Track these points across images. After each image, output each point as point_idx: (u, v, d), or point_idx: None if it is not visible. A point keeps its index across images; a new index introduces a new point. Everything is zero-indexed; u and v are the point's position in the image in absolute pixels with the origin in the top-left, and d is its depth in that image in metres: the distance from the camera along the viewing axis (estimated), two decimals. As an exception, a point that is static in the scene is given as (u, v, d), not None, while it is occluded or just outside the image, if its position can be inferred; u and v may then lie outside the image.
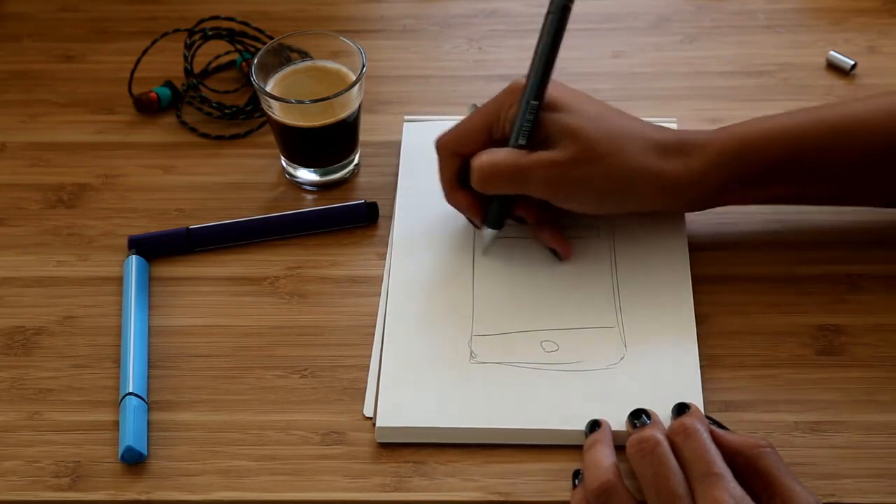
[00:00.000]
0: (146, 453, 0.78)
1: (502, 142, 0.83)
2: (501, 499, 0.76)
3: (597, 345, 0.82)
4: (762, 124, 0.83)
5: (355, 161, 0.94)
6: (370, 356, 0.82)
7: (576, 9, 0.82)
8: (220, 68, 1.02)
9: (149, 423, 0.79)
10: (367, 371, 0.82)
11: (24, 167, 0.95)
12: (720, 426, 0.75)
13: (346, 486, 0.76)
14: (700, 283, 0.85)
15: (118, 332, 0.84)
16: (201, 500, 0.76)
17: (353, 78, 0.91)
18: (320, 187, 0.93)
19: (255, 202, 0.92)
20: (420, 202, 0.90)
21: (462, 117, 0.86)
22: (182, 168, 0.95)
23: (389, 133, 0.96)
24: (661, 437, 0.72)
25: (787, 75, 0.99)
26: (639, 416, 0.75)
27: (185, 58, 0.98)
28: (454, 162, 0.85)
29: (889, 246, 0.87)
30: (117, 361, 0.82)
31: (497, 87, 0.85)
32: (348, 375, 0.82)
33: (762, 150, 0.82)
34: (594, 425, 0.76)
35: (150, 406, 0.80)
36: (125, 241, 0.89)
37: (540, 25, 0.83)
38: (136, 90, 0.99)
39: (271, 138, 0.94)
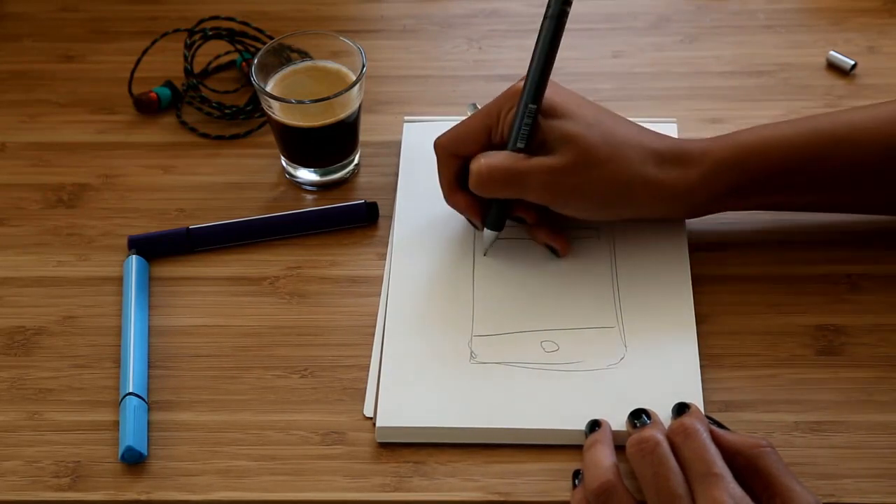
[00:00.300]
0: (146, 453, 0.78)
1: (502, 145, 0.83)
2: (501, 499, 0.76)
3: (597, 345, 0.82)
4: (761, 132, 0.83)
5: (355, 161, 0.94)
6: (370, 356, 0.82)
7: (576, 9, 0.82)
8: (220, 68, 1.02)
9: (149, 423, 0.79)
10: (367, 371, 0.82)
11: (24, 167, 0.95)
12: (720, 426, 0.75)
13: (346, 486, 0.76)
14: (700, 283, 0.85)
15: (118, 332, 0.84)
16: (201, 500, 0.76)
17: (353, 78, 0.91)
18: (320, 187, 0.93)
19: (255, 202, 0.92)
20: (420, 202, 0.90)
21: (462, 117, 0.86)
22: (182, 168, 0.95)
23: (389, 133, 0.96)
24: (661, 437, 0.72)
25: (787, 75, 0.99)
26: (639, 416, 0.75)
27: (185, 58, 0.98)
28: (453, 163, 0.85)
29: (889, 246, 0.87)
30: (117, 361, 0.82)
31: (497, 87, 0.85)
32: (348, 375, 0.82)
33: (761, 159, 0.81)
34: (594, 425, 0.76)
35: (150, 406, 0.80)
36: (125, 241, 0.89)
37: (539, 26, 0.83)
38: (136, 90, 0.99)
39: (271, 138, 0.94)
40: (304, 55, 0.94)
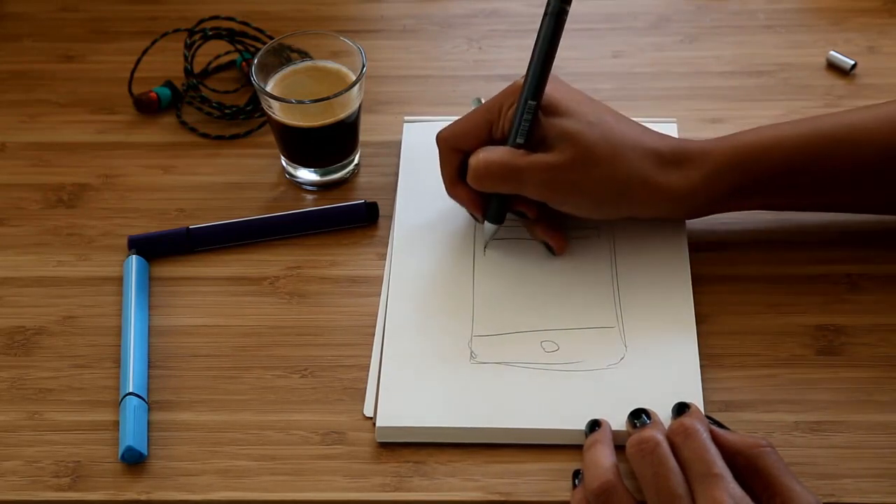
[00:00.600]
0: (146, 453, 0.78)
1: (503, 140, 0.83)
2: (501, 499, 0.76)
3: (597, 345, 0.82)
4: (762, 133, 0.83)
5: (355, 161, 0.94)
6: (370, 356, 0.82)
7: (576, 8, 0.82)
8: (220, 68, 1.02)
9: (149, 423, 0.79)
10: (367, 371, 0.82)
11: (24, 167, 0.95)
12: (720, 426, 0.75)
13: (346, 486, 0.76)
14: (700, 283, 0.85)
15: (118, 332, 0.84)
16: (201, 500, 0.76)
17: (353, 78, 0.91)
18: (320, 187, 0.93)
19: (255, 202, 0.92)
20: (420, 202, 0.90)
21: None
22: (182, 168, 0.95)
23: (389, 133, 0.96)
24: (660, 437, 0.72)
25: (787, 75, 0.99)
26: (639, 416, 0.75)
27: (185, 58, 0.98)
28: (455, 157, 0.85)
29: (889, 246, 0.87)
30: (117, 361, 0.82)
31: (497, 87, 0.85)
32: (348, 375, 0.82)
33: (762, 160, 0.81)
34: (594, 425, 0.76)
35: (150, 406, 0.80)
36: (125, 241, 0.89)
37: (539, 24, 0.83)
38: (137, 90, 0.99)
39: (271, 138, 0.94)
40: (304, 55, 0.94)
